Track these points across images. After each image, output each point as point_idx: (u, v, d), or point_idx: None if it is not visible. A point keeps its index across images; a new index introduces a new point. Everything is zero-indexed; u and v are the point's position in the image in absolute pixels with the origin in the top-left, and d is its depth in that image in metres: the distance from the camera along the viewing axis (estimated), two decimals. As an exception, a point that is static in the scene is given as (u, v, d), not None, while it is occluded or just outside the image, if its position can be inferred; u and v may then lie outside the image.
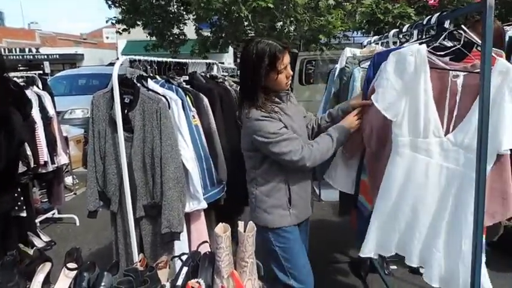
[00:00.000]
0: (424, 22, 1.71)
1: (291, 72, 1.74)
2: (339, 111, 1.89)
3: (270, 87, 1.69)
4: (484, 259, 1.45)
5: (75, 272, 1.49)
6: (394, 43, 2.30)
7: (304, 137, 1.77)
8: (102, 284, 1.39)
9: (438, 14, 1.59)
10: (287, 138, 1.63)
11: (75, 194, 4.78)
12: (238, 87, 2.70)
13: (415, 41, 1.80)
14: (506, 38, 2.19)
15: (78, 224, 3.93)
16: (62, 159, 3.52)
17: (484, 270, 1.45)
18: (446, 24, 1.58)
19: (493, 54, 1.36)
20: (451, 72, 1.44)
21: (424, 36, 1.77)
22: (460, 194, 1.38)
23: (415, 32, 1.90)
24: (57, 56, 20.10)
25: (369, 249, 1.60)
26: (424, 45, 1.43)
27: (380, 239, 1.58)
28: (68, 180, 4.78)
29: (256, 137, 1.65)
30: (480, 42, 1.26)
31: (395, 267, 2.68)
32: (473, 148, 1.30)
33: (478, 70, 1.29)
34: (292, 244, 1.76)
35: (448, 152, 1.42)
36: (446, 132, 1.44)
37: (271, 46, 1.63)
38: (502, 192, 1.42)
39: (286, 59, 1.66)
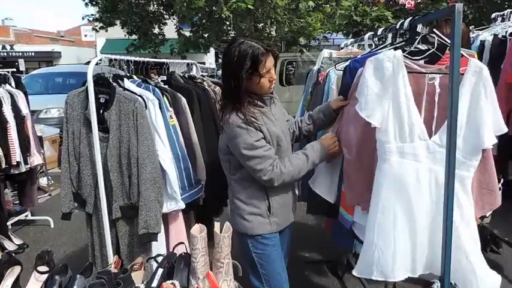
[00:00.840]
0: (398, 26, 1.75)
1: (275, 76, 1.68)
2: (319, 113, 1.86)
3: (253, 91, 1.63)
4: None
5: (46, 275, 1.46)
6: (370, 45, 2.35)
7: (287, 141, 1.73)
8: (74, 287, 1.37)
9: (410, 18, 1.63)
10: (261, 156, 1.56)
11: (50, 195, 4.66)
12: (217, 87, 2.70)
13: (389, 43, 1.84)
14: (477, 43, 2.27)
15: (52, 226, 3.84)
16: (36, 159, 3.43)
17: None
18: (419, 28, 1.62)
19: (465, 54, 1.42)
20: (427, 75, 1.47)
21: (397, 40, 1.81)
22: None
23: (390, 35, 1.94)
24: (33, 53, 19.58)
25: (369, 271, 1.53)
26: (400, 51, 1.46)
27: (383, 260, 1.50)
28: (43, 181, 4.66)
29: (232, 143, 1.61)
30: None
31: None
32: (459, 147, 1.36)
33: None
34: (269, 251, 1.70)
35: (435, 154, 1.43)
36: (430, 135, 1.46)
37: (254, 48, 1.56)
38: (488, 184, 1.52)
39: (270, 62, 1.60)
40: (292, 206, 1.81)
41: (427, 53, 1.52)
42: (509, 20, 2.52)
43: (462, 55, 1.49)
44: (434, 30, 1.53)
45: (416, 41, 1.53)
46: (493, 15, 2.68)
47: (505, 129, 1.45)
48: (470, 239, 1.46)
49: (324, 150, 1.70)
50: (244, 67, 1.54)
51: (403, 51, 1.51)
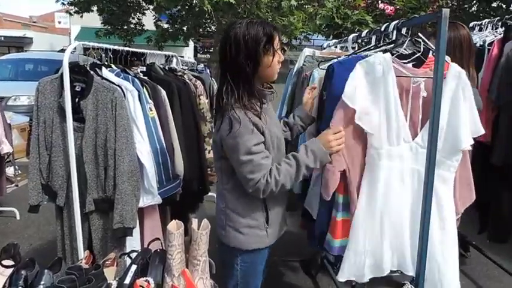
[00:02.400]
0: (382, 29, 1.76)
1: (283, 57, 1.49)
2: (295, 118, 1.75)
3: (263, 75, 1.45)
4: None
5: (11, 269, 1.39)
6: (353, 48, 2.37)
7: (282, 142, 1.56)
8: (42, 282, 1.31)
9: (396, 22, 1.64)
10: (256, 164, 1.37)
11: (16, 185, 4.46)
12: (198, 81, 2.65)
13: (373, 46, 1.85)
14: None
15: (18, 217, 3.70)
16: (5, 147, 3.28)
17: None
18: (403, 32, 1.64)
19: (446, 59, 1.45)
20: (412, 78, 1.49)
21: (381, 43, 1.83)
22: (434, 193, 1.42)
23: (374, 38, 1.96)
24: (2, 38, 18.73)
25: (361, 274, 1.55)
26: (389, 54, 1.47)
27: (373, 261, 1.54)
28: (10, 170, 4.45)
29: (229, 142, 1.39)
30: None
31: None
32: (439, 148, 1.39)
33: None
34: (255, 266, 1.58)
35: (418, 154, 1.46)
36: (413, 137, 1.49)
37: (264, 24, 1.40)
38: (467, 179, 1.58)
39: (278, 40, 1.44)
40: (284, 216, 1.66)
41: (414, 57, 1.53)
42: (486, 30, 2.59)
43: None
44: (420, 34, 1.55)
45: (405, 44, 1.54)
46: (471, 25, 2.75)
47: (482, 131, 1.50)
48: (448, 239, 1.50)
49: (322, 151, 1.45)
50: (261, 43, 1.37)
51: (391, 54, 1.51)
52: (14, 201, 3.88)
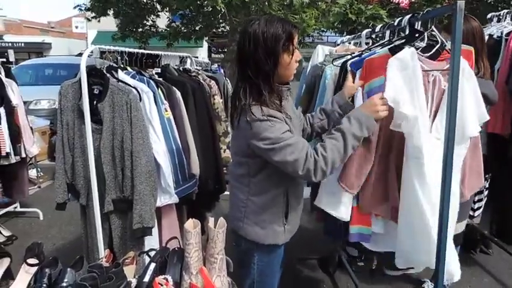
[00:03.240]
0: (396, 23, 1.74)
1: (300, 56, 1.45)
2: (334, 104, 1.66)
3: (280, 74, 1.41)
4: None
5: (35, 268, 1.43)
6: (367, 43, 2.34)
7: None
8: (65, 280, 1.34)
9: (409, 16, 1.62)
10: (291, 143, 1.33)
11: (39, 187, 4.60)
12: (212, 81, 2.67)
13: (387, 41, 1.83)
14: (486, 37, 2.26)
15: (41, 218, 3.79)
16: (34, 150, 3.39)
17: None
18: (417, 26, 1.62)
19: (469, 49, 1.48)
20: (430, 73, 1.49)
21: (395, 37, 1.81)
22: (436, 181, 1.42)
23: (387, 33, 1.93)
24: (23, 44, 19.23)
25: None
26: (413, 49, 1.47)
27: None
28: (32, 173, 4.58)
29: (255, 142, 1.36)
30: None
31: (362, 263, 2.74)
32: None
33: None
34: (272, 264, 1.58)
35: (435, 147, 1.45)
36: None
37: (284, 22, 1.37)
38: (477, 167, 1.61)
39: (297, 38, 1.41)
40: (300, 212, 1.64)
41: (434, 49, 1.52)
42: (505, 21, 2.53)
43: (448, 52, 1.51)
44: (433, 28, 1.53)
45: (425, 38, 1.53)
46: (489, 16, 2.69)
47: (487, 117, 1.53)
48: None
49: (366, 116, 1.39)
50: (281, 40, 1.34)
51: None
52: (37, 202, 3.99)
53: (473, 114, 1.47)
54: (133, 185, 1.92)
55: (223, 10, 6.24)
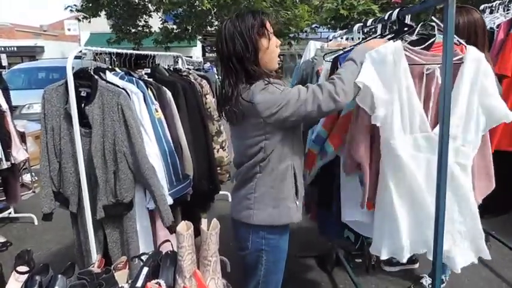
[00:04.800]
0: (386, 17, 1.72)
1: (279, 41, 1.51)
2: None
3: (262, 63, 1.45)
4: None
5: (26, 275, 1.40)
6: (359, 38, 2.31)
7: (298, 134, 1.57)
8: (56, 287, 1.31)
9: (398, 9, 1.60)
10: (299, 88, 1.39)
11: (33, 192, 4.54)
12: (204, 81, 2.64)
13: (379, 35, 1.81)
14: None
15: (36, 223, 3.75)
16: (22, 155, 3.33)
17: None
18: (407, 19, 1.59)
19: (462, 42, 1.43)
20: (425, 66, 1.44)
21: (387, 31, 1.78)
22: (450, 183, 1.39)
23: (379, 27, 1.91)
24: (15, 48, 19.10)
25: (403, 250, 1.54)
26: (399, 41, 1.42)
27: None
28: (26, 177, 4.53)
29: (267, 111, 1.37)
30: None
31: (360, 260, 2.72)
32: (459, 137, 1.38)
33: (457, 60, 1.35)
34: (279, 262, 1.58)
35: (435, 145, 1.39)
36: (433, 126, 1.43)
37: (254, 12, 1.44)
38: (486, 168, 1.54)
39: (270, 24, 1.45)
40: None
41: (429, 42, 1.49)
42: (497, 12, 2.51)
43: (460, 43, 1.47)
44: (433, 18, 1.51)
45: (416, 30, 1.50)
46: (481, 7, 2.66)
47: (510, 117, 1.42)
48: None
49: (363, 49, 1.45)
50: (254, 27, 1.40)
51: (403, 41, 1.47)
52: (31, 207, 3.95)
53: (492, 110, 1.40)
54: (129, 188, 1.90)
55: (212, 9, 6.22)
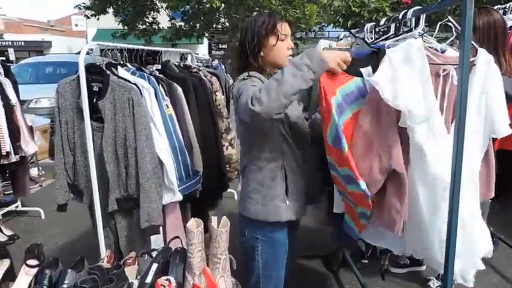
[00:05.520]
0: (401, 16, 1.70)
1: (292, 44, 1.59)
2: (317, 119, 1.70)
3: (270, 59, 1.54)
4: None
5: (36, 269, 1.41)
6: (370, 38, 2.29)
7: (303, 127, 1.61)
8: (65, 282, 1.32)
9: (415, 8, 1.58)
10: (255, 85, 1.42)
11: (40, 185, 4.57)
12: (214, 77, 2.63)
13: (393, 34, 1.79)
14: None
15: (43, 217, 3.77)
16: (32, 148, 3.35)
17: None
18: (422, 19, 1.58)
19: (475, 45, 1.38)
20: (442, 66, 1.41)
21: (400, 31, 1.76)
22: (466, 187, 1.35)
23: (392, 26, 1.89)
24: (23, 43, 19.21)
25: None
26: (420, 39, 1.38)
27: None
28: (34, 171, 4.55)
29: (234, 102, 1.48)
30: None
31: (366, 261, 2.71)
32: (470, 140, 1.33)
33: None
34: (277, 255, 1.59)
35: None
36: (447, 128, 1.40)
37: (271, 14, 1.60)
38: (486, 175, 1.53)
39: (286, 28, 1.55)
40: (304, 199, 1.62)
41: (449, 40, 1.46)
42: (510, 13, 2.48)
43: (472, 45, 1.45)
44: (450, 18, 1.49)
45: (437, 28, 1.48)
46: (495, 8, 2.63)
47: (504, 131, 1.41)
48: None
49: (317, 53, 1.30)
50: (264, 24, 1.51)
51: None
52: (38, 201, 3.97)
53: (502, 114, 1.39)
54: (138, 183, 1.89)
55: (221, 7, 6.21)
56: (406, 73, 1.31)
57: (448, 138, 1.36)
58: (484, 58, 1.38)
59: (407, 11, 1.63)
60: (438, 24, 1.48)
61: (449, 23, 1.48)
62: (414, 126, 1.34)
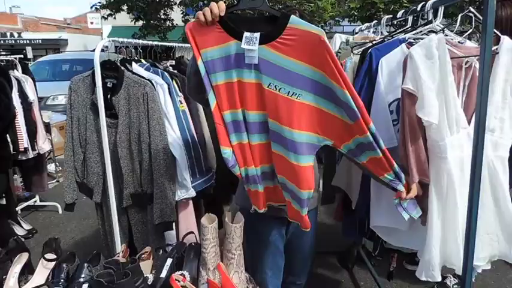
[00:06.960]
0: (419, 8, 1.66)
1: None
2: None
3: None
4: None
5: (53, 263, 1.43)
6: (388, 31, 2.25)
7: None
8: (82, 276, 1.33)
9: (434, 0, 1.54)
10: None
11: (58, 181, 4.66)
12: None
13: (410, 27, 1.75)
14: None
15: (60, 212, 3.83)
16: (45, 146, 3.41)
17: None
18: (440, 11, 1.53)
19: (497, 32, 1.34)
20: (463, 59, 1.39)
21: (418, 23, 1.72)
22: (492, 177, 1.34)
23: (410, 19, 1.85)
24: (40, 41, 19.56)
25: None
26: (442, 35, 1.36)
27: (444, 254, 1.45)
28: (51, 167, 4.65)
29: None
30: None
31: (381, 258, 2.68)
32: (496, 129, 1.33)
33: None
34: (255, 232, 1.57)
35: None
36: (469, 121, 1.37)
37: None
38: None
39: None
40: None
41: (467, 33, 1.43)
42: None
43: (495, 33, 1.40)
44: (471, 8, 1.44)
45: (458, 20, 1.44)
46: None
47: None
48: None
49: None
50: None
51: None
52: (56, 196, 4.04)
53: None
54: (152, 178, 1.89)
55: (234, 2, 6.18)
56: (427, 69, 1.30)
57: (468, 131, 1.34)
58: (507, 45, 1.34)
59: (426, 2, 1.59)
60: (459, 16, 1.44)
61: (470, 13, 1.44)
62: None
